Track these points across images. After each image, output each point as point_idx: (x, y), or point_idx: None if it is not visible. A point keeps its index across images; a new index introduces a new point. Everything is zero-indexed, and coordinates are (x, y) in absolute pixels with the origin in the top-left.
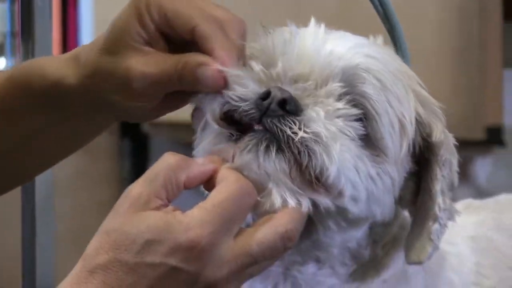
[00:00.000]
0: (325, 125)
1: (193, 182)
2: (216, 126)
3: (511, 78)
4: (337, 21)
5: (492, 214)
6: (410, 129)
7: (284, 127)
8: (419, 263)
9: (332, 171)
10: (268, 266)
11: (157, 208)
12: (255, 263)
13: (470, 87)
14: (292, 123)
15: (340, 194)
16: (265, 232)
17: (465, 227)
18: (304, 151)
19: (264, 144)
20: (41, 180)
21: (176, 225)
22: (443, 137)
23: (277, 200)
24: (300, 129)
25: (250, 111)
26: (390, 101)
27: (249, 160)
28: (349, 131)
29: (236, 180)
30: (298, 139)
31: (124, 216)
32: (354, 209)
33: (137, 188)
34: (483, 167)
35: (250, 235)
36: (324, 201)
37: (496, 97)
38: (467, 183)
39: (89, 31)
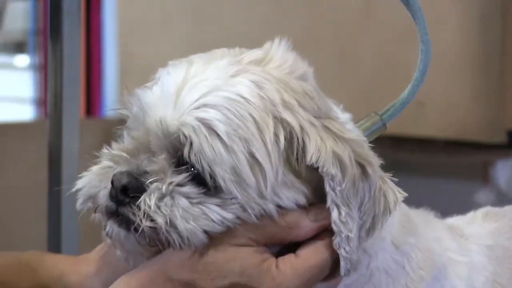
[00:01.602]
0: (160, 209)
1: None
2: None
3: None
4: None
5: (510, 223)
6: (268, 163)
7: (133, 217)
8: (344, 275)
9: (185, 240)
10: None
11: (250, 245)
12: None
13: (490, 91)
14: (138, 210)
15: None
16: None
17: (482, 236)
18: (155, 234)
19: (122, 228)
20: (66, 174)
21: (269, 279)
22: (318, 154)
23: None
24: (144, 218)
25: (109, 205)
26: (225, 149)
27: (112, 236)
28: (184, 200)
29: (325, 248)
30: (145, 228)
31: (218, 244)
32: None
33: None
34: (504, 170)
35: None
36: None
37: None
38: (488, 187)
39: (112, 31)
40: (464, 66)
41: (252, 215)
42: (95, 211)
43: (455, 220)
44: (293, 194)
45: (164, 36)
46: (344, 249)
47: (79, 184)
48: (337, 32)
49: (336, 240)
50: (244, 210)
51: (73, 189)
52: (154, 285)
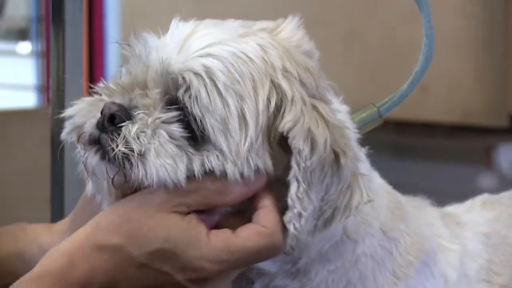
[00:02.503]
0: (139, 138)
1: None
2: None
3: None
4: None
5: (508, 210)
6: (253, 124)
7: (111, 142)
8: (284, 253)
9: (149, 177)
10: None
11: (182, 213)
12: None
13: (494, 75)
14: (117, 137)
15: None
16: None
17: (479, 223)
18: (126, 163)
19: (97, 156)
20: (69, 161)
21: (196, 248)
22: (292, 125)
23: (104, 205)
24: (120, 143)
25: (93, 133)
26: (220, 99)
27: (86, 165)
28: (164, 135)
29: (271, 234)
30: (118, 154)
31: (147, 210)
32: None
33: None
34: (507, 155)
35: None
36: None
37: None
38: (491, 171)
39: (115, 17)
40: (466, 51)
41: (218, 170)
42: (78, 140)
43: (454, 208)
44: (258, 165)
45: (168, 21)
46: (294, 225)
47: (69, 112)
48: (344, 12)
49: (288, 214)
50: (202, 165)
51: (62, 115)
52: (82, 254)
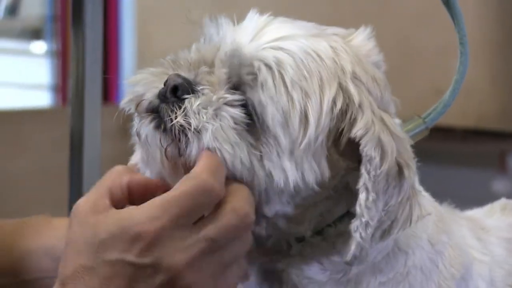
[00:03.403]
0: (199, 113)
1: (137, 184)
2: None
3: None
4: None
5: None
6: (315, 123)
7: (170, 113)
8: (346, 262)
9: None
10: (240, 251)
11: (105, 209)
12: (218, 247)
13: (508, 80)
14: (177, 109)
15: None
16: (217, 214)
17: (501, 228)
18: (182, 137)
19: (152, 124)
20: (89, 160)
21: (127, 220)
22: (364, 132)
23: (152, 177)
24: (180, 115)
25: (153, 101)
26: (286, 93)
27: (139, 132)
28: (227, 119)
29: (195, 176)
30: (175, 125)
31: (77, 225)
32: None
33: (84, 199)
34: None
35: (204, 220)
36: None
37: None
38: (505, 175)
39: (130, 16)
40: (481, 55)
41: (266, 168)
42: (136, 107)
43: (474, 213)
44: (313, 167)
45: (182, 20)
46: (360, 234)
47: (131, 80)
48: (356, 16)
49: (355, 222)
50: (260, 160)
51: (126, 82)
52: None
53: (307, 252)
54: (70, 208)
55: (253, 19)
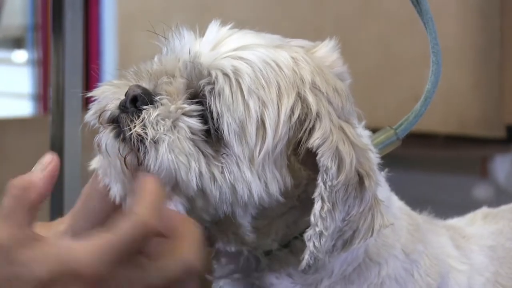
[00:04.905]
0: (157, 124)
1: (45, 190)
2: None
3: None
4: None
5: (510, 224)
6: (272, 132)
7: (129, 123)
8: (302, 271)
9: (158, 167)
10: None
11: (32, 242)
12: None
13: (490, 86)
14: (136, 119)
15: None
16: (166, 264)
17: (483, 236)
18: (140, 146)
19: (112, 134)
20: (69, 169)
21: (67, 257)
22: (321, 142)
23: (113, 187)
24: (138, 125)
25: (113, 112)
26: (242, 103)
27: (100, 142)
28: (185, 130)
29: (135, 216)
30: (133, 135)
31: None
32: (199, 200)
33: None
34: (503, 165)
35: (151, 266)
36: None
37: None
38: (487, 182)
39: (111, 24)
40: (463, 61)
41: (227, 180)
42: (99, 119)
43: (456, 221)
44: (276, 176)
45: (164, 29)
46: (314, 243)
47: (94, 93)
48: (337, 23)
49: (309, 232)
50: (222, 172)
51: (90, 94)
52: None
53: (276, 266)
54: (51, 215)
55: (215, 31)
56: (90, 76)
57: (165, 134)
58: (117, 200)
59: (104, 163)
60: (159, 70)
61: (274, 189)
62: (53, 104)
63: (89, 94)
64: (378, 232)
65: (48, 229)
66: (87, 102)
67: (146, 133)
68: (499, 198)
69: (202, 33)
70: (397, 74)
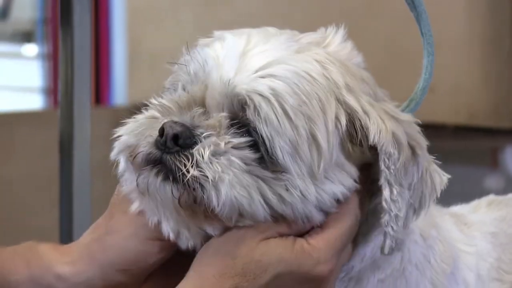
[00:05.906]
0: (212, 164)
1: None
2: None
3: None
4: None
5: None
6: (325, 143)
7: (179, 164)
8: (384, 254)
9: (221, 206)
10: None
11: (280, 235)
12: None
13: (500, 76)
14: (186, 159)
15: (230, 220)
16: None
17: (486, 223)
18: (197, 187)
19: (160, 177)
20: (78, 163)
21: (306, 259)
22: (379, 134)
23: (164, 225)
24: (192, 166)
25: (152, 152)
26: (289, 124)
27: (141, 184)
28: (239, 163)
29: (349, 213)
30: (190, 177)
31: (247, 244)
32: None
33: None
34: None
35: None
36: (215, 228)
37: None
38: (497, 172)
39: (120, 18)
40: (472, 52)
41: (295, 195)
42: (132, 159)
43: (459, 208)
44: (342, 177)
45: (172, 22)
46: (392, 227)
47: (120, 131)
48: (343, 18)
49: (385, 218)
50: (287, 189)
51: (115, 136)
52: None
53: None
54: (60, 211)
55: (230, 44)
56: (101, 70)
57: (223, 172)
58: (171, 236)
59: (151, 204)
60: (187, 101)
61: (339, 189)
62: (62, 97)
63: (117, 134)
64: (441, 189)
65: (62, 255)
66: (96, 96)
67: (203, 174)
68: (510, 188)
69: (212, 46)
70: (403, 67)
